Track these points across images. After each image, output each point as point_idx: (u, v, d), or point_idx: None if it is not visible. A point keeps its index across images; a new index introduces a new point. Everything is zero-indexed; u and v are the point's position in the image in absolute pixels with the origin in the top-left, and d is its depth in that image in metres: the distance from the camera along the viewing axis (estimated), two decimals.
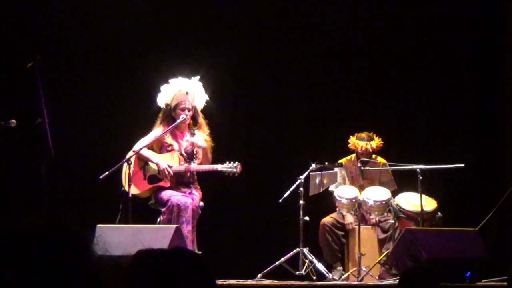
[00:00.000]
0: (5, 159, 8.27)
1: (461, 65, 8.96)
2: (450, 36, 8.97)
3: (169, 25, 8.89)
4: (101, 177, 6.77)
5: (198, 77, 7.37)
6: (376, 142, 7.89)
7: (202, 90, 7.38)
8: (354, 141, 7.92)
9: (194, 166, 7.20)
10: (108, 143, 8.52)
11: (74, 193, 8.46)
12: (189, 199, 7.02)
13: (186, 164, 7.18)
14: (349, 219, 7.69)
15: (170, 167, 7.11)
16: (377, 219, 7.69)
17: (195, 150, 7.26)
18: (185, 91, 7.24)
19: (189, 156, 7.25)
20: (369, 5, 9.02)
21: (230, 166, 7.12)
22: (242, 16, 8.96)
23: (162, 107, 7.33)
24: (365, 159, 7.82)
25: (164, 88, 7.34)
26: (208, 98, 7.41)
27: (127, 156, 7.05)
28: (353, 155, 8.08)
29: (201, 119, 7.34)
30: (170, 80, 7.35)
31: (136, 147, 7.12)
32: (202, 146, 7.20)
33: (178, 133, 7.32)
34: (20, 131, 7.00)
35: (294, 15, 9.02)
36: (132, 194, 6.89)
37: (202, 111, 7.39)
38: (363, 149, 7.88)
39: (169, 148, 7.24)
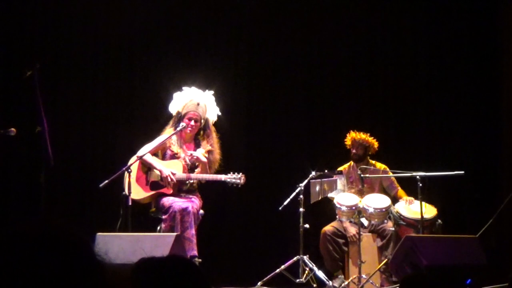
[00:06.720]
0: (4, 167, 8.28)
1: (460, 71, 8.96)
2: (449, 41, 8.98)
3: (172, 30, 8.89)
4: (101, 185, 6.73)
5: (212, 92, 7.38)
6: (371, 139, 7.96)
7: (214, 103, 7.39)
8: (350, 135, 7.98)
9: (198, 174, 7.19)
10: (107, 150, 8.51)
11: (73, 201, 8.44)
12: (189, 203, 7.01)
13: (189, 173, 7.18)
14: (352, 230, 7.68)
15: (174, 174, 7.10)
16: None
17: (196, 163, 7.25)
18: (197, 102, 7.25)
19: (192, 167, 7.25)
20: (366, 12, 9.03)
21: (234, 177, 7.12)
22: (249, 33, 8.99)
23: (173, 114, 7.34)
24: (364, 166, 7.84)
25: (176, 95, 7.35)
26: (220, 114, 7.42)
27: (130, 161, 7.03)
28: (352, 162, 8.11)
29: (213, 133, 7.34)
30: (184, 88, 7.34)
31: (140, 152, 7.11)
32: (202, 161, 7.19)
33: (184, 142, 7.32)
34: (19, 139, 7.00)
35: (301, 30, 9.05)
36: (133, 199, 6.85)
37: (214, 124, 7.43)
38: (358, 139, 7.92)
39: (176, 156, 7.23)
